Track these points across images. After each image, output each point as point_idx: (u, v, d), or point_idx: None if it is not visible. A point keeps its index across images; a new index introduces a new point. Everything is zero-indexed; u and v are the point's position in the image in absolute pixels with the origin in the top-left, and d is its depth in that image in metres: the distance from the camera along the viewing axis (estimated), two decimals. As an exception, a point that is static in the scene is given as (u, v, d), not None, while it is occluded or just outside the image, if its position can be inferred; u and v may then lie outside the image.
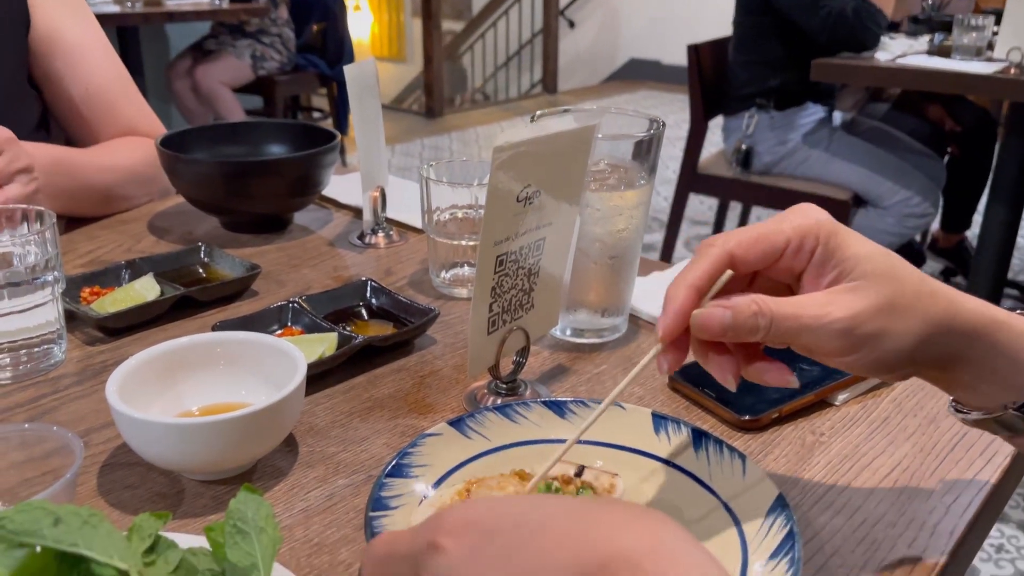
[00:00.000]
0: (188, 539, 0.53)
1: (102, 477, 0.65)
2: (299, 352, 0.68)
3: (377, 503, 0.56)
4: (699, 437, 0.64)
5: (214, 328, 0.82)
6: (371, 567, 0.39)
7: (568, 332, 0.88)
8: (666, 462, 0.63)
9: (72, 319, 0.88)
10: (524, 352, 0.77)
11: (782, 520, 0.55)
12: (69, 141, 1.28)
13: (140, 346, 0.85)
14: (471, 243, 0.97)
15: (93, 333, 0.87)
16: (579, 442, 0.66)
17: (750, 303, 0.50)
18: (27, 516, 0.41)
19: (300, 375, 0.65)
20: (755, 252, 0.52)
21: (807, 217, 0.53)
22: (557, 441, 0.65)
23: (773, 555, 0.53)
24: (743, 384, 0.56)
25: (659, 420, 0.65)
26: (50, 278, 0.79)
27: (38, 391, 0.77)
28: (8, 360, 0.78)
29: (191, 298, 0.92)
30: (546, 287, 0.76)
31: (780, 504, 0.56)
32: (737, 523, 0.58)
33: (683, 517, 0.60)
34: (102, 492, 0.64)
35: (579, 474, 0.61)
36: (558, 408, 0.67)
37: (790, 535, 0.54)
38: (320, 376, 0.78)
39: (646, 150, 0.80)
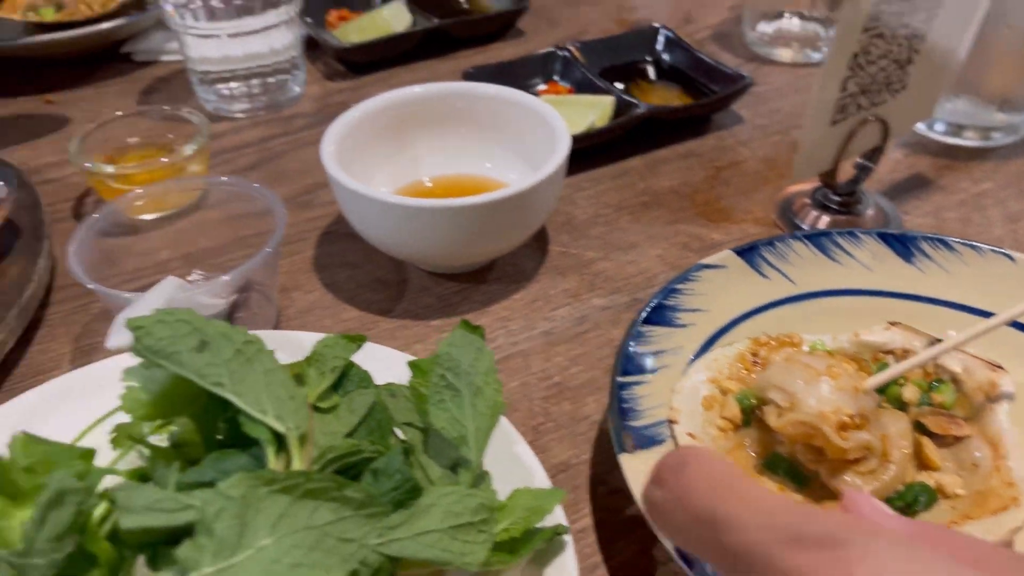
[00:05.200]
0: (395, 357, 0.40)
1: (320, 247, 0.55)
2: (561, 121, 0.50)
3: (628, 362, 0.39)
4: None
5: (465, 75, 0.66)
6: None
7: (939, 127, 0.62)
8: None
9: (313, 47, 0.76)
10: (876, 153, 0.53)
11: None
12: None
13: (383, 87, 0.72)
14: (810, -15, 0.70)
15: (335, 66, 0.75)
16: (924, 299, 0.44)
17: None
18: (168, 331, 0.29)
19: (561, 153, 0.48)
20: None
21: None
22: (894, 296, 0.44)
23: None
24: None
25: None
26: (283, -7, 0.66)
27: (269, 130, 0.67)
28: (241, 90, 0.68)
29: (445, 32, 0.76)
30: (932, 59, 0.51)
31: None
32: None
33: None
34: (317, 267, 0.53)
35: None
36: (903, 246, 0.45)
37: None
38: (586, 152, 0.60)
39: None
